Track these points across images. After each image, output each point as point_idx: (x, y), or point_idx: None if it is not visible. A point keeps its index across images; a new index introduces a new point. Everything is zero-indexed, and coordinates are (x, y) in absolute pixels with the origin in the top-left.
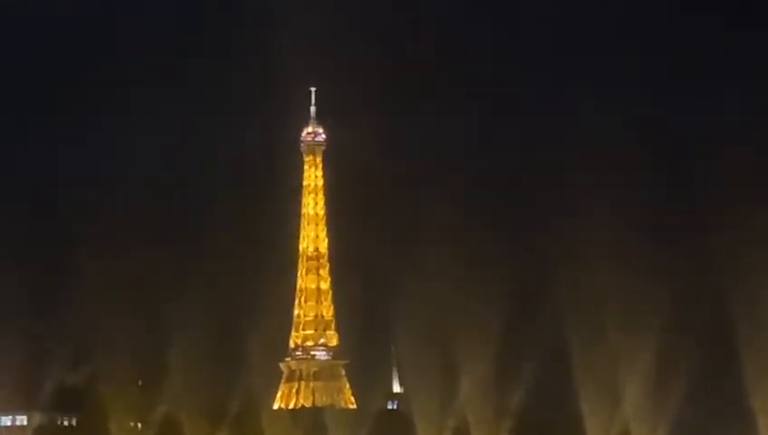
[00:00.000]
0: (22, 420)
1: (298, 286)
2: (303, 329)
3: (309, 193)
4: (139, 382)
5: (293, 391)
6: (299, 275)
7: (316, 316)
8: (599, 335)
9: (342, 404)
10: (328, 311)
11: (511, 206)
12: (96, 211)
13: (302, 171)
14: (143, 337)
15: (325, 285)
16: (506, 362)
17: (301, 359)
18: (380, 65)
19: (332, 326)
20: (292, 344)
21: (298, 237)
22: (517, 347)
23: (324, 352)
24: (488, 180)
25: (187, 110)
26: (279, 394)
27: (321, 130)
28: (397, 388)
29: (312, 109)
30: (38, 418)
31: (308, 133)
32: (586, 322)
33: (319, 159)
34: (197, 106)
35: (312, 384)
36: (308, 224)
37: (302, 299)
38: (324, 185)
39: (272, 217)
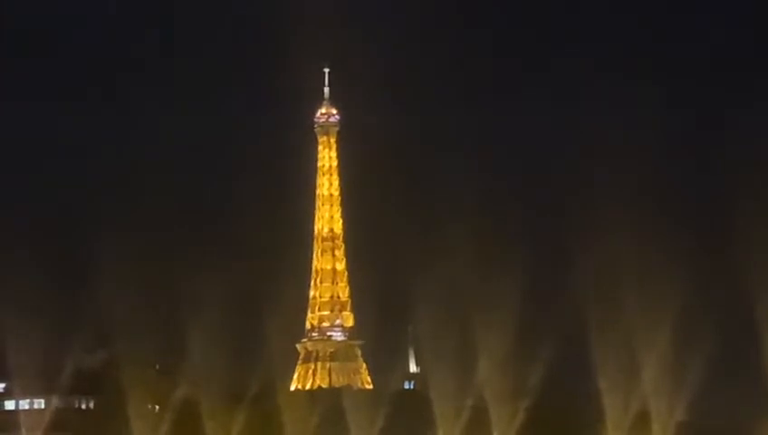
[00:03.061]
0: (40, 403)
1: (313, 267)
2: (319, 310)
3: (323, 174)
4: (157, 366)
5: (310, 371)
6: (314, 256)
7: (332, 297)
8: (616, 314)
9: (359, 385)
10: (344, 291)
11: (528, 186)
12: (115, 196)
13: (316, 152)
14: (161, 320)
15: (340, 266)
16: (524, 341)
17: (317, 340)
18: (393, 47)
19: (348, 307)
20: (308, 325)
21: (313, 219)
22: (535, 326)
23: (340, 333)
24: (503, 161)
25: (201, 94)
26: (296, 375)
27: (334, 111)
28: (413, 368)
29: (326, 90)
30: (56, 401)
31: (322, 114)
32: (604, 300)
33: (333, 140)
34: (212, 90)
35: (328, 365)
36: (323, 205)
37: (318, 280)
38: (338, 165)
39: (287, 199)
